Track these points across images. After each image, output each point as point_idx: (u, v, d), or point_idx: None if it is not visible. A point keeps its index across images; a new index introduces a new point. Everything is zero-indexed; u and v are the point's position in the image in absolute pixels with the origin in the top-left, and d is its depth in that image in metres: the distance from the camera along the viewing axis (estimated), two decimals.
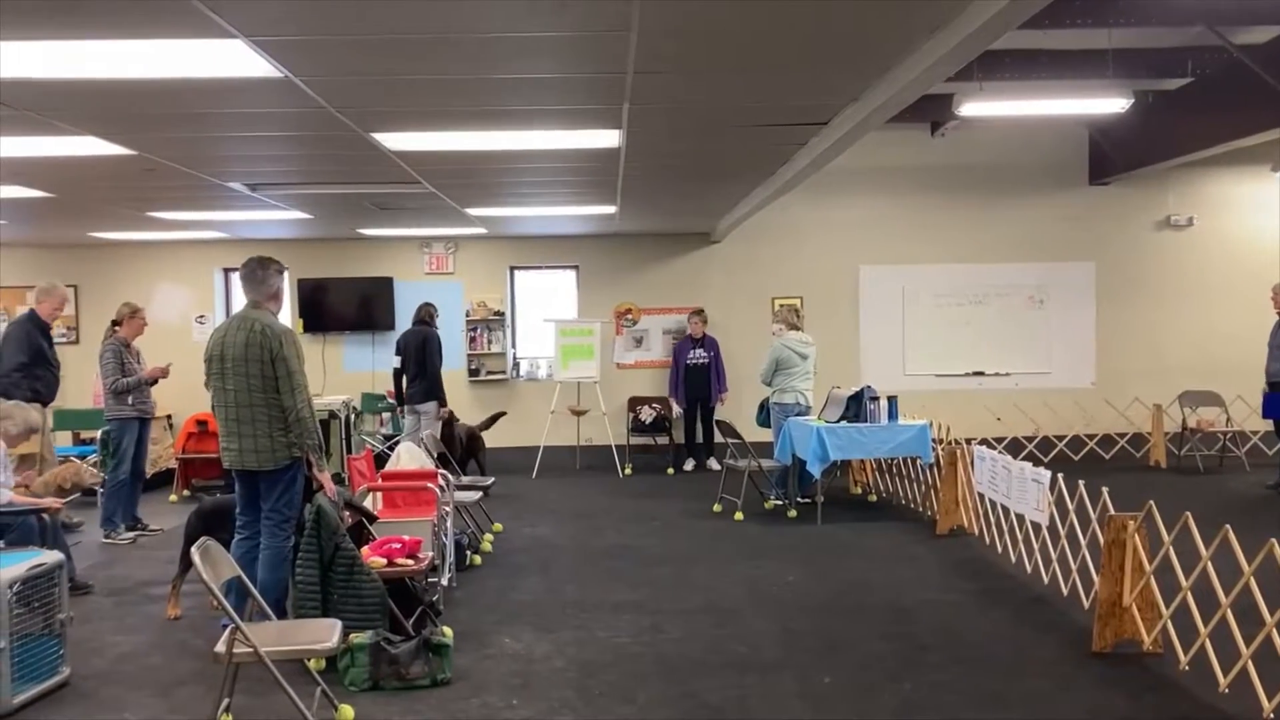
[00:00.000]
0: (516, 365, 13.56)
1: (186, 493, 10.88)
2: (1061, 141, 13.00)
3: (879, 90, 5.64)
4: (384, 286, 13.19)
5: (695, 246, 13.28)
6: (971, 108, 9.06)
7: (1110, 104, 9.10)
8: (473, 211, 10.47)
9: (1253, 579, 4.52)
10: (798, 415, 9.53)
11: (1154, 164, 11.73)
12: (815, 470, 8.83)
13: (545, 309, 13.42)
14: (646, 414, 12.91)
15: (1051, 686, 5.03)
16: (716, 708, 4.84)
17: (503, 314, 13.35)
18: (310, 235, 12.41)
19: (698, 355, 12.17)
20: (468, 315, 13.29)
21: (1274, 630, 4.37)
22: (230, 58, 4.65)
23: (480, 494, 8.53)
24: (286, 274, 5.97)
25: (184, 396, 10.34)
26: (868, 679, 5.18)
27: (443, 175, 8.25)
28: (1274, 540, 4.39)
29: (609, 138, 6.81)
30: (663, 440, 12.87)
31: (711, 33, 4.62)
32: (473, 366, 13.31)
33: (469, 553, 7.62)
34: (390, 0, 4.02)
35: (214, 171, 7.90)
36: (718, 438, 11.37)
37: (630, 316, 13.34)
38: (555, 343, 12.55)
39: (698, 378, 12.15)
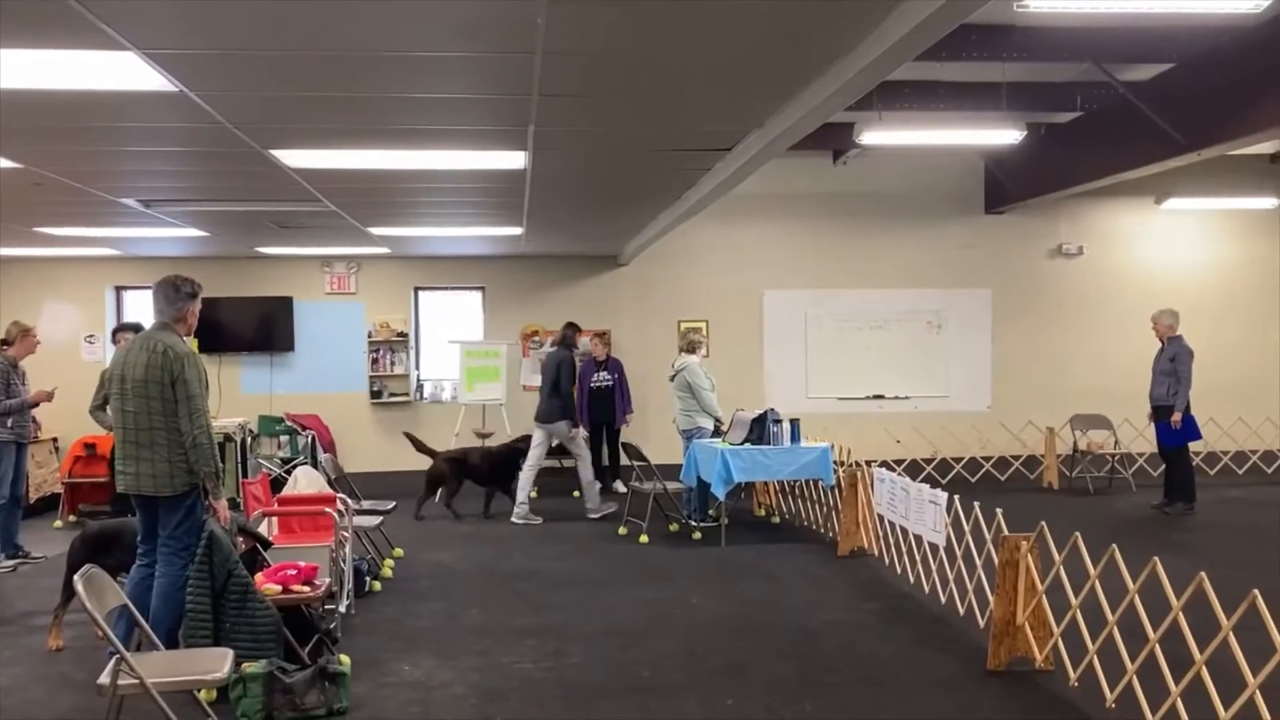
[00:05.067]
0: (420, 387, 13.39)
1: (73, 518, 10.48)
2: (959, 171, 13.37)
3: (781, 118, 5.74)
4: (283, 306, 12.93)
5: (602, 269, 13.31)
6: (871, 136, 9.27)
7: (1004, 135, 9.41)
8: (376, 231, 10.34)
9: (1137, 597, 4.68)
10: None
11: (1046, 194, 12.13)
12: (720, 492, 8.88)
13: (450, 330, 13.30)
14: None
15: (950, 705, 5.11)
16: None
17: (406, 335, 13.19)
18: (207, 253, 12.10)
19: (602, 378, 12.14)
20: (370, 336, 13.09)
21: (1157, 646, 4.51)
22: (123, 70, 4.53)
23: (380, 518, 8.38)
24: (200, 296, 5.73)
25: (71, 419, 9.97)
26: (770, 700, 5.20)
27: (345, 194, 8.13)
28: (1156, 559, 4.55)
29: (515, 159, 6.80)
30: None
31: (615, 58, 4.64)
32: (375, 388, 13.11)
33: (369, 579, 7.47)
34: (291, 17, 3.96)
35: (106, 187, 7.67)
36: (624, 460, 11.36)
37: (537, 338, 13.28)
38: (460, 364, 12.44)
39: (602, 400, 12.10)
